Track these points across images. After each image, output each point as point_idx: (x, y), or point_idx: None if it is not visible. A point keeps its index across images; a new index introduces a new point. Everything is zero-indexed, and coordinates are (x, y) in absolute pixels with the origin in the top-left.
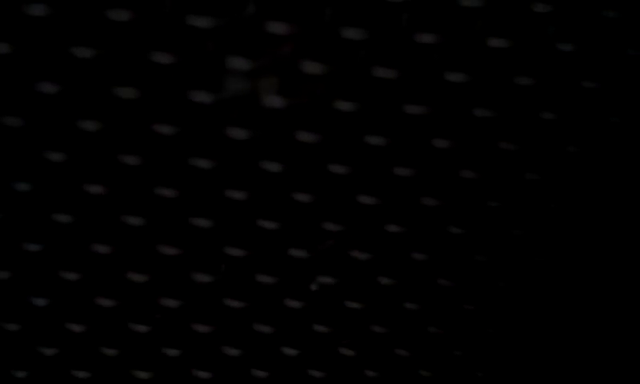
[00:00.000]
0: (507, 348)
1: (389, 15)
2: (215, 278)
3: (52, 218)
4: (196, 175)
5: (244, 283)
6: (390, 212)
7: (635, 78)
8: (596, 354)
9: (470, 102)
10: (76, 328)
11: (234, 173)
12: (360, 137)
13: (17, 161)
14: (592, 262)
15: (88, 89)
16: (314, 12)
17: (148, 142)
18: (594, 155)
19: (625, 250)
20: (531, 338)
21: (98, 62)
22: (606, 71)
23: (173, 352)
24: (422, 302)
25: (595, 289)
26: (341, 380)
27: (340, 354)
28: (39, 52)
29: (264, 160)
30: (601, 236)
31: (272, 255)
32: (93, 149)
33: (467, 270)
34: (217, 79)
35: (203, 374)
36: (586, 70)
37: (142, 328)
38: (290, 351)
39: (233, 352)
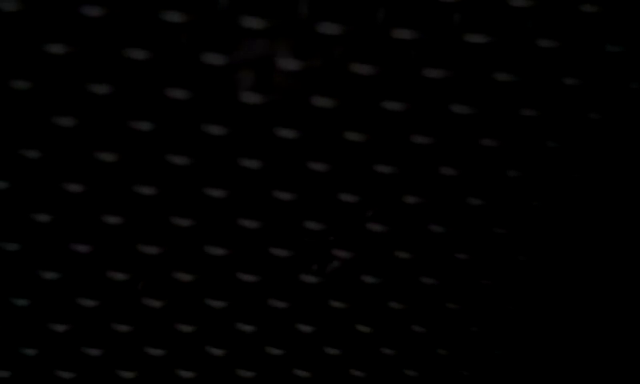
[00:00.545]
0: (493, 347)
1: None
2: (197, 277)
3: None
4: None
5: (226, 282)
6: (370, 207)
7: (615, 74)
8: (586, 354)
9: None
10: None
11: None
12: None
13: None
14: (578, 259)
15: (63, 84)
16: None
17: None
18: (576, 152)
19: (610, 247)
20: (519, 337)
21: (72, 58)
22: (587, 67)
23: (157, 352)
24: (407, 300)
25: (582, 287)
26: (326, 380)
27: (325, 353)
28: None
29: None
30: (585, 233)
31: (257, 251)
32: (72, 146)
33: (452, 269)
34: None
35: (186, 374)
36: (567, 67)
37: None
38: (274, 351)
39: (217, 352)
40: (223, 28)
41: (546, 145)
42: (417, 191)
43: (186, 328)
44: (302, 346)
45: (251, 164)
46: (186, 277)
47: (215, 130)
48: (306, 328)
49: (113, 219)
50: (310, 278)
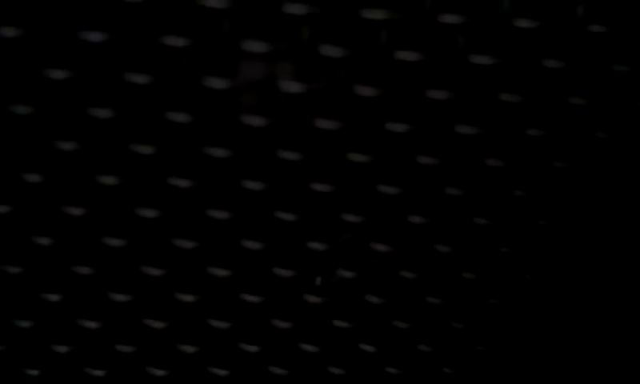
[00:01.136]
0: (499, 365)
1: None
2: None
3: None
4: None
5: (229, 301)
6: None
7: (621, 92)
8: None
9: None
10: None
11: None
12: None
13: None
14: (572, 273)
15: (64, 109)
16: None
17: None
18: (581, 169)
19: (606, 253)
20: (526, 357)
21: (73, 83)
22: (593, 87)
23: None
24: (411, 319)
25: (575, 295)
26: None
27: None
28: None
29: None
30: (583, 251)
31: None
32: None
33: (457, 286)
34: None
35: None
36: (575, 84)
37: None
38: (277, 370)
39: (220, 372)
40: (225, 52)
41: (553, 164)
42: (421, 211)
43: (189, 348)
44: (305, 365)
45: (254, 186)
46: (188, 297)
47: (218, 152)
48: (309, 347)
49: (115, 242)
50: (313, 298)
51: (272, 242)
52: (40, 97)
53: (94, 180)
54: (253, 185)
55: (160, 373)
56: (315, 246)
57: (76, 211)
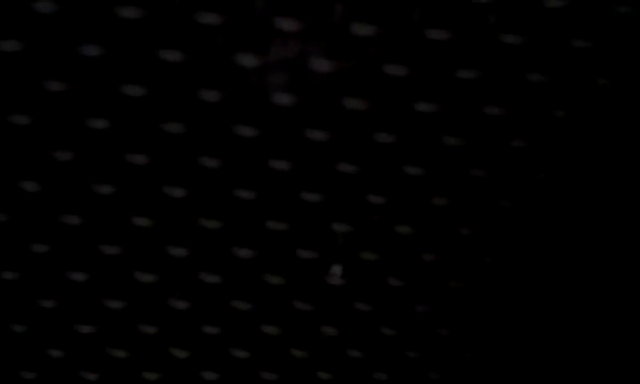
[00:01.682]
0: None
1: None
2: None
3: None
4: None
5: (220, 307)
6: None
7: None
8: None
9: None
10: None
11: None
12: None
13: None
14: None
15: (61, 120)
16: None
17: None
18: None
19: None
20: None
21: (71, 95)
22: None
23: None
24: (399, 328)
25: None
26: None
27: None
28: None
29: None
30: (559, 252)
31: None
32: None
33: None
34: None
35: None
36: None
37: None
38: (268, 375)
39: (211, 376)
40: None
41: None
42: (409, 220)
43: (181, 353)
44: (295, 369)
45: (247, 194)
46: (181, 304)
47: (210, 162)
48: (299, 353)
49: (110, 249)
50: (303, 305)
51: (264, 250)
52: (38, 109)
53: (90, 189)
54: (245, 194)
55: (152, 376)
56: (306, 254)
57: (72, 220)
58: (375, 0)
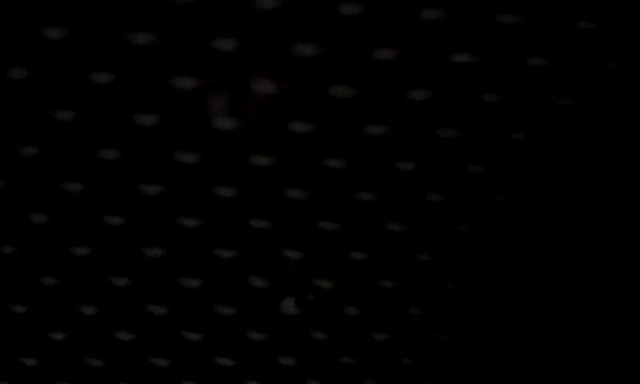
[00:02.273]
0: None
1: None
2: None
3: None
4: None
5: (203, 313)
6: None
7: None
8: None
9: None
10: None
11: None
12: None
13: None
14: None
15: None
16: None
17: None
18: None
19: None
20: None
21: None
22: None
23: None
24: (391, 331)
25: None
26: None
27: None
28: None
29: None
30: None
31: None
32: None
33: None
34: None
35: None
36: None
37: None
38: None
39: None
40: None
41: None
42: (400, 219)
43: (162, 362)
44: (282, 377)
45: (227, 192)
46: (159, 309)
47: (188, 158)
48: (286, 360)
49: (82, 250)
50: (289, 310)
51: (246, 251)
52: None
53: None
54: (225, 192)
55: None
56: (291, 255)
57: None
58: None
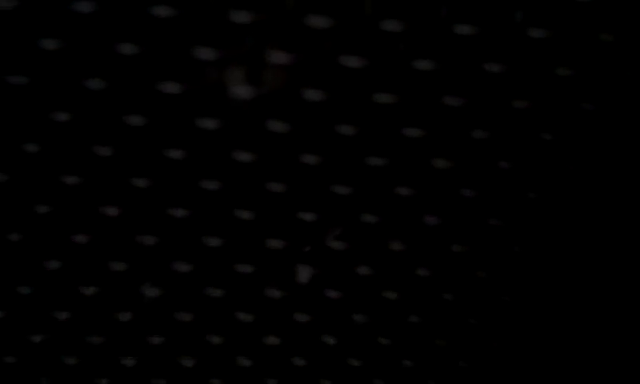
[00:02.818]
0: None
1: None
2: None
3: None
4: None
5: (194, 295)
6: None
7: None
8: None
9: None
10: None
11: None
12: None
13: None
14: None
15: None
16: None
17: None
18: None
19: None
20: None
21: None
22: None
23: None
24: (370, 314)
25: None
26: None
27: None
28: None
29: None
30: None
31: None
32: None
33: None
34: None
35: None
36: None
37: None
38: (244, 361)
39: (187, 362)
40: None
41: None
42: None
43: (157, 339)
44: (270, 357)
45: (211, 184)
46: (153, 291)
47: (175, 154)
48: (273, 340)
49: (80, 238)
50: (275, 293)
51: (233, 239)
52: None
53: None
54: (209, 184)
55: (128, 362)
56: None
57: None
58: None
